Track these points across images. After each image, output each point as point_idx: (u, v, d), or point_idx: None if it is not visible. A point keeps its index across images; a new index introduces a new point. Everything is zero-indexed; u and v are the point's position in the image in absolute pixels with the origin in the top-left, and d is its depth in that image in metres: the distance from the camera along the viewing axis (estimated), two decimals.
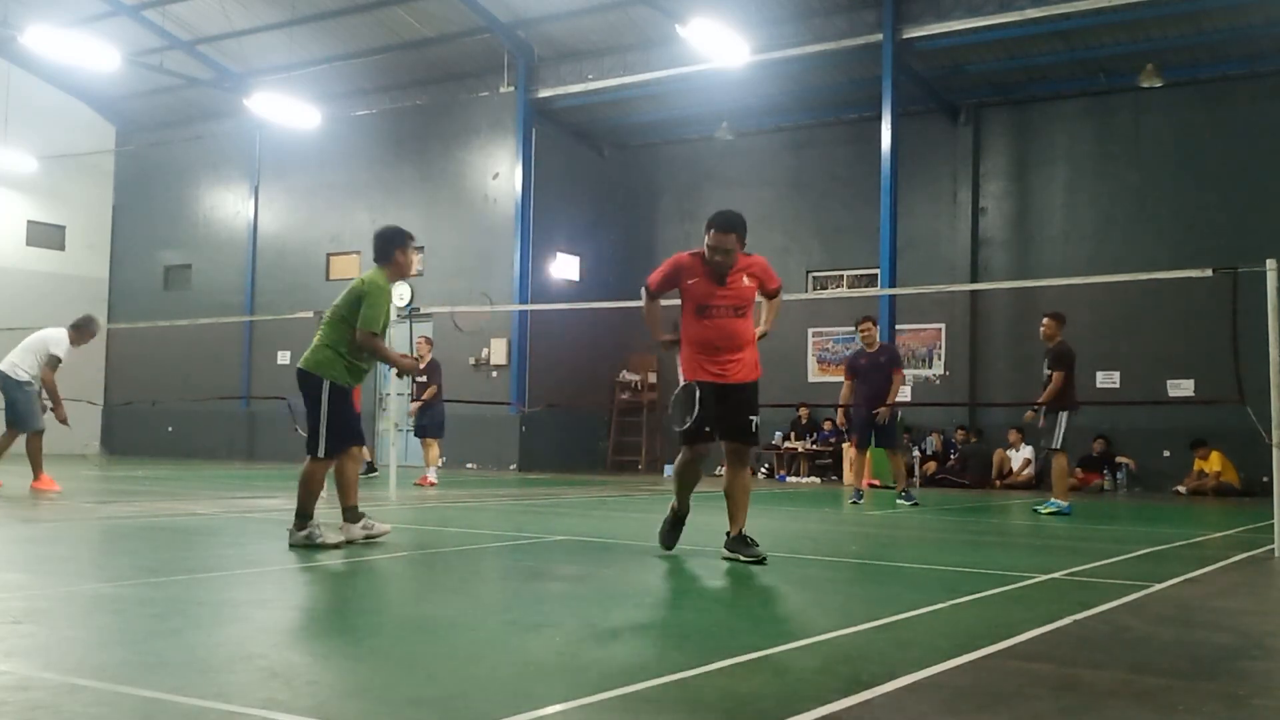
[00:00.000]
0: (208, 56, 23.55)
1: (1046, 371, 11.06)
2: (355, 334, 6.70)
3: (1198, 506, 13.66)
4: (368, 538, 6.90)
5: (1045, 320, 11.28)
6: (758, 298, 6.65)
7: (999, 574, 6.14)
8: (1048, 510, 10.91)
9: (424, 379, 14.59)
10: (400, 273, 6.99)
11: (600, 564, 6.46)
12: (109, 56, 19.53)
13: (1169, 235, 17.51)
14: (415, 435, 15.62)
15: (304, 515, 6.66)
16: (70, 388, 22.05)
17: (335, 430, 6.73)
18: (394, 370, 13.61)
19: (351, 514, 6.94)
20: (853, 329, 19.38)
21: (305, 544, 6.59)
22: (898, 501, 12.18)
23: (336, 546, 6.63)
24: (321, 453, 6.71)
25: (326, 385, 6.71)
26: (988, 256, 19.23)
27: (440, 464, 15.15)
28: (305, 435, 6.75)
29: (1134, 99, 17.99)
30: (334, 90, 23.04)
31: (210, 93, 24.58)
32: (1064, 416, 10.83)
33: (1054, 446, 10.97)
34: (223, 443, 24.02)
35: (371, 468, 16.28)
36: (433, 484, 14.17)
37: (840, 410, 12.82)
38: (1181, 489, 16.09)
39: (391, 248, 6.95)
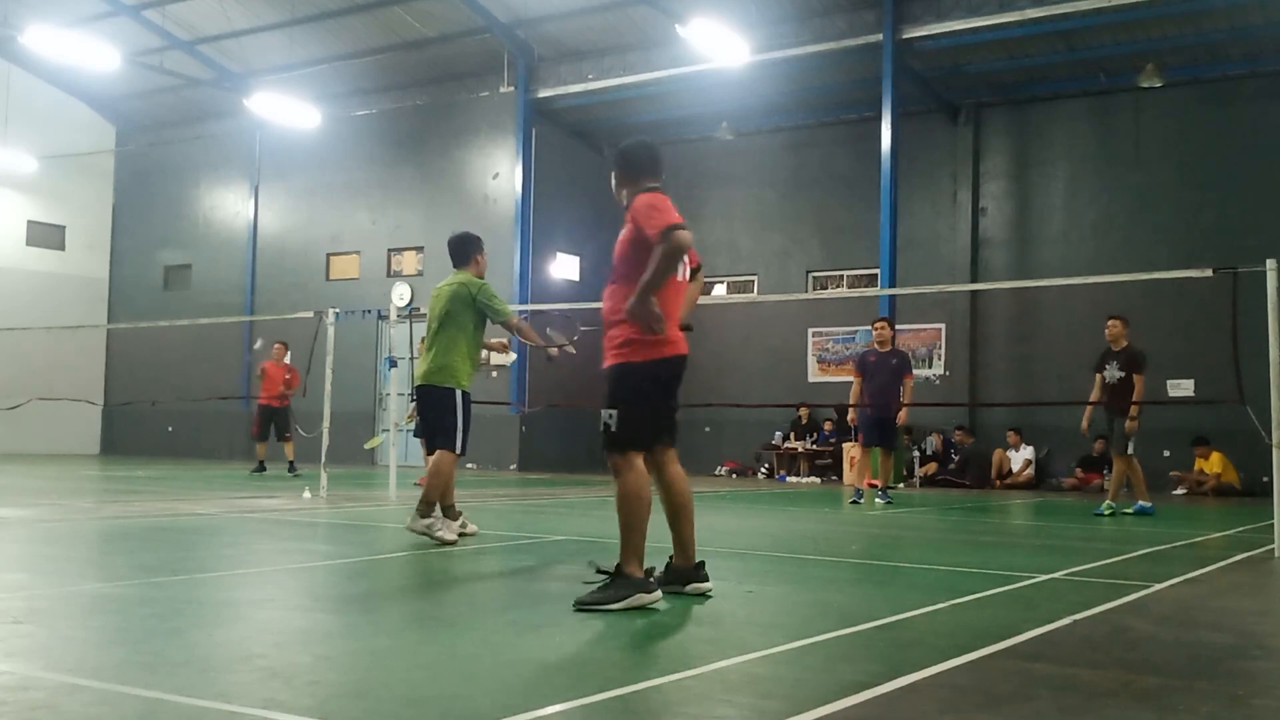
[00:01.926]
0: (208, 56, 23.55)
1: (1119, 373, 10.91)
2: (480, 331, 7.39)
3: (1198, 506, 13.66)
4: (462, 534, 7.35)
5: (1112, 321, 11.13)
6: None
7: (999, 574, 6.14)
8: (1109, 511, 10.91)
9: None
10: (480, 273, 7.53)
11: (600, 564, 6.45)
12: (109, 56, 19.52)
13: (1169, 235, 17.51)
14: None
15: (430, 504, 7.11)
16: (70, 387, 22.22)
17: (468, 429, 7.31)
18: (392, 370, 13.69)
19: (450, 512, 7.35)
20: (853, 329, 19.46)
21: (424, 534, 7.02)
22: (876, 500, 12.36)
23: (451, 543, 7.00)
24: (460, 449, 7.29)
25: (459, 394, 7.29)
26: (988, 256, 19.23)
27: None
28: (438, 434, 7.32)
29: (1134, 99, 17.98)
30: (334, 90, 23.04)
31: (210, 93, 24.58)
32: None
33: (1130, 452, 11.00)
34: (223, 443, 24.01)
35: (262, 466, 16.63)
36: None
37: (851, 409, 12.79)
38: (1180, 489, 16.08)
39: (471, 250, 7.54)
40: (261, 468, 16.75)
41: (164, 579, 5.42)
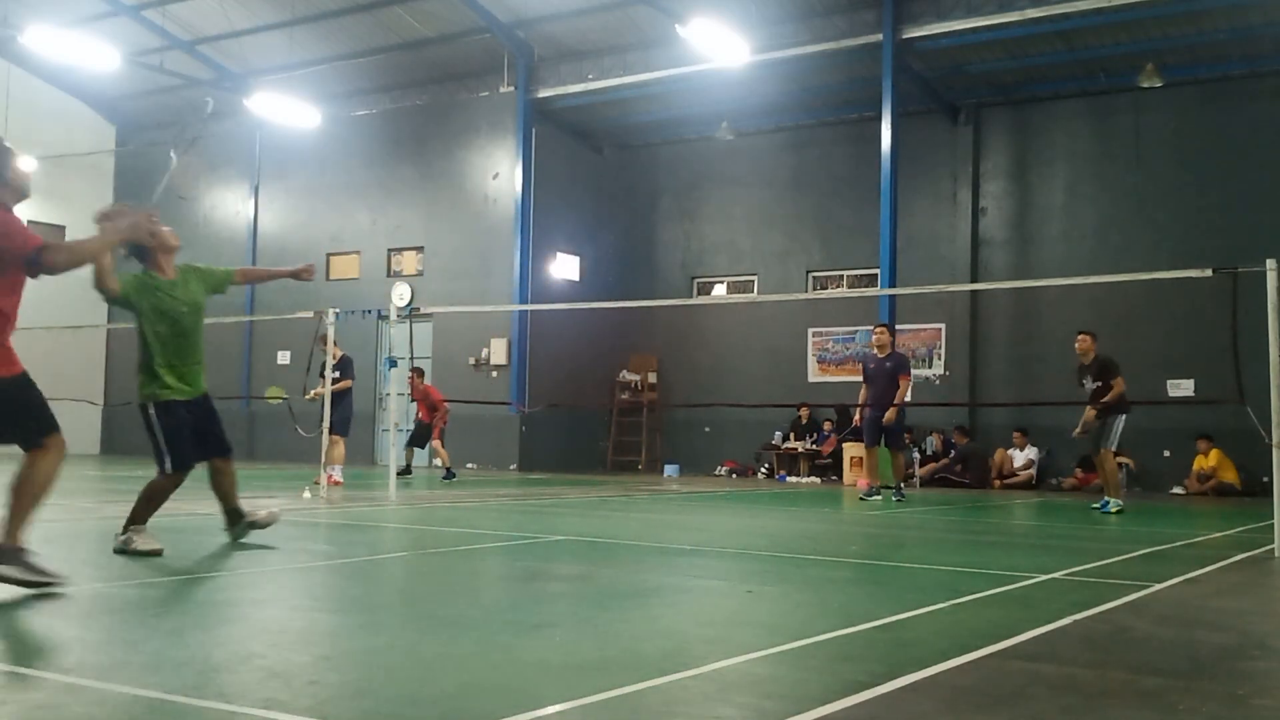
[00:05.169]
0: (208, 56, 23.55)
1: (1094, 384, 11.13)
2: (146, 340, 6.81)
3: (1198, 506, 13.66)
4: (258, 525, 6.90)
5: (1081, 337, 11.40)
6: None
7: (999, 574, 6.14)
8: (1115, 510, 10.95)
9: (338, 374, 13.33)
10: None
11: (600, 564, 6.46)
12: (109, 56, 19.53)
13: (1169, 235, 17.51)
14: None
15: (136, 522, 6.47)
16: (70, 388, 22.19)
17: (175, 445, 6.64)
18: (392, 370, 13.58)
19: (234, 516, 6.89)
20: (852, 329, 19.67)
21: (123, 549, 6.32)
22: (875, 499, 12.87)
23: (156, 553, 6.30)
24: (170, 467, 6.63)
25: (151, 409, 6.65)
26: (988, 256, 19.23)
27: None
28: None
29: (1134, 99, 17.99)
30: (334, 90, 23.04)
31: (210, 93, 24.54)
32: (1120, 419, 11.00)
33: (1110, 446, 11.08)
34: None
35: (408, 469, 16.59)
36: (338, 483, 13.39)
37: (858, 410, 13.41)
38: (1181, 489, 16.10)
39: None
40: (450, 474, 16.40)
41: (164, 579, 5.42)
